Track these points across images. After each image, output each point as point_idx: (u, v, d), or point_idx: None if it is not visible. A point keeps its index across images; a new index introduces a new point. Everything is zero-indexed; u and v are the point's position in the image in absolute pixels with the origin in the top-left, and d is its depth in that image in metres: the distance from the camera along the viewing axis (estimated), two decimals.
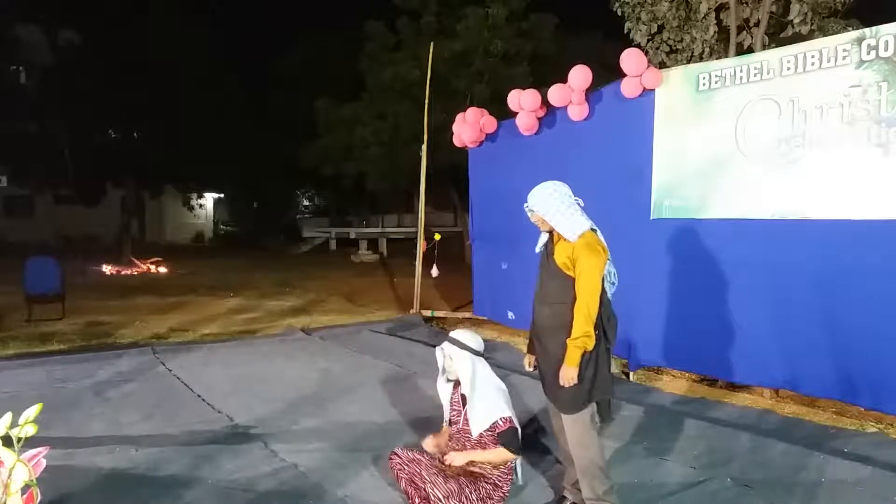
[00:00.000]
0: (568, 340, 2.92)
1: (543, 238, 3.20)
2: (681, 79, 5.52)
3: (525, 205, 3.13)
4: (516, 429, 3.15)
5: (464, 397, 3.25)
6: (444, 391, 3.37)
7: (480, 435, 3.14)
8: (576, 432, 3.05)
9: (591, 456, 3.03)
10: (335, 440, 4.19)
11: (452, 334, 3.30)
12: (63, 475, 3.45)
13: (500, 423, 3.12)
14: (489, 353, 3.32)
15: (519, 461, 3.35)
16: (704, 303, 5.30)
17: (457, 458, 3.17)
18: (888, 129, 4.24)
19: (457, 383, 3.32)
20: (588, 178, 6.03)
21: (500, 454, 3.13)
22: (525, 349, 3.36)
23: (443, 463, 3.25)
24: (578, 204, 3.08)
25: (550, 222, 3.04)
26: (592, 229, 3.04)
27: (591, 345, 2.91)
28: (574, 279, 2.96)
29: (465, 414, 3.20)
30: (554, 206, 3.00)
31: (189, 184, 26.44)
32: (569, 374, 2.93)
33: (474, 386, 3.15)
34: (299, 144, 20.45)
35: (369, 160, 17.76)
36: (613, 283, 3.18)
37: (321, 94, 18.95)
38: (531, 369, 3.32)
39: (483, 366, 3.24)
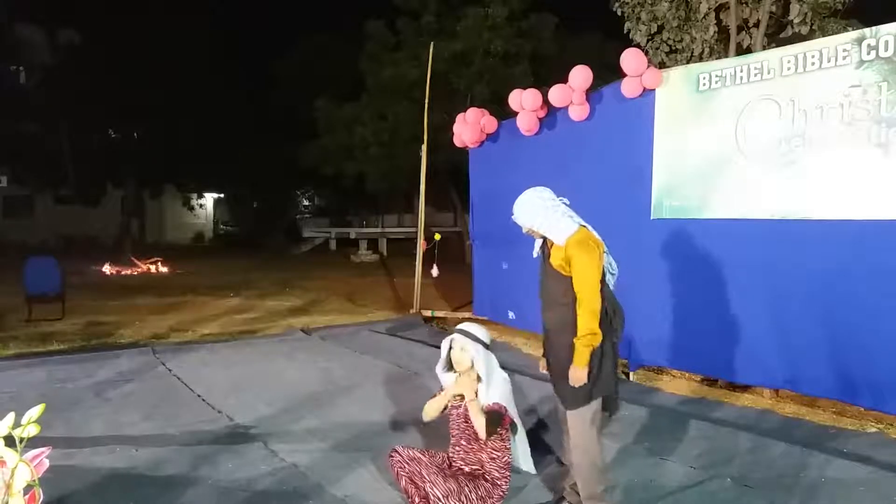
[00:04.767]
0: (575, 340, 2.93)
1: (538, 243, 3.22)
2: (681, 79, 5.52)
3: (512, 217, 3.14)
4: (502, 416, 3.16)
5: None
6: (445, 378, 3.38)
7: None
8: (576, 429, 3.06)
9: (589, 455, 3.04)
10: (335, 440, 4.19)
11: (464, 327, 3.31)
12: (63, 475, 3.44)
13: (493, 404, 3.14)
14: None
15: (521, 451, 3.37)
16: (704, 303, 5.31)
17: (467, 392, 3.17)
18: (888, 129, 4.24)
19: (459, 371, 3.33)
20: (588, 179, 6.07)
21: (481, 422, 3.10)
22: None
23: (444, 463, 3.27)
24: (564, 203, 3.08)
25: (539, 230, 3.07)
26: (583, 226, 3.04)
27: (597, 342, 2.92)
28: (571, 279, 2.96)
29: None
30: (540, 215, 3.02)
31: (189, 184, 26.45)
32: (577, 375, 2.94)
33: (489, 381, 3.17)
34: (299, 144, 20.46)
35: (369, 160, 17.78)
36: (614, 274, 3.18)
37: (321, 94, 18.96)
38: (544, 371, 3.34)
39: (493, 359, 3.27)
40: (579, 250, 2.92)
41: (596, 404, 3.05)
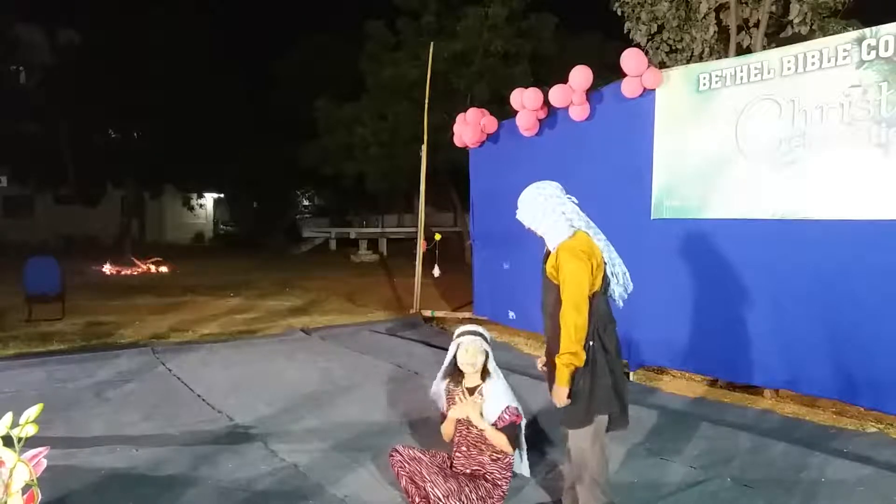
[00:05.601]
0: (556, 358, 2.79)
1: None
2: (681, 79, 5.52)
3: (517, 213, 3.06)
4: (517, 425, 3.18)
5: (470, 389, 3.25)
6: (438, 387, 3.39)
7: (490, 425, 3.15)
8: (576, 446, 2.93)
9: (590, 472, 2.90)
10: (335, 440, 4.19)
11: (469, 328, 3.30)
12: (63, 475, 3.44)
13: (506, 415, 3.14)
14: None
15: (522, 455, 3.37)
16: (704, 303, 5.31)
17: (473, 415, 3.14)
18: (888, 129, 4.24)
19: (455, 377, 3.32)
20: (589, 178, 6.05)
21: (502, 441, 3.13)
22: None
23: (445, 463, 3.27)
24: (572, 201, 2.95)
25: (537, 231, 2.95)
26: (582, 231, 2.87)
27: (578, 362, 2.73)
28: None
29: None
30: (539, 214, 2.90)
31: (189, 184, 26.46)
32: (558, 394, 2.80)
33: (496, 381, 3.20)
34: (299, 144, 20.47)
35: (369, 160, 17.78)
36: (621, 284, 2.98)
37: (321, 94, 18.96)
38: (542, 369, 3.31)
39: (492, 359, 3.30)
40: (566, 258, 2.76)
41: (598, 424, 2.87)
